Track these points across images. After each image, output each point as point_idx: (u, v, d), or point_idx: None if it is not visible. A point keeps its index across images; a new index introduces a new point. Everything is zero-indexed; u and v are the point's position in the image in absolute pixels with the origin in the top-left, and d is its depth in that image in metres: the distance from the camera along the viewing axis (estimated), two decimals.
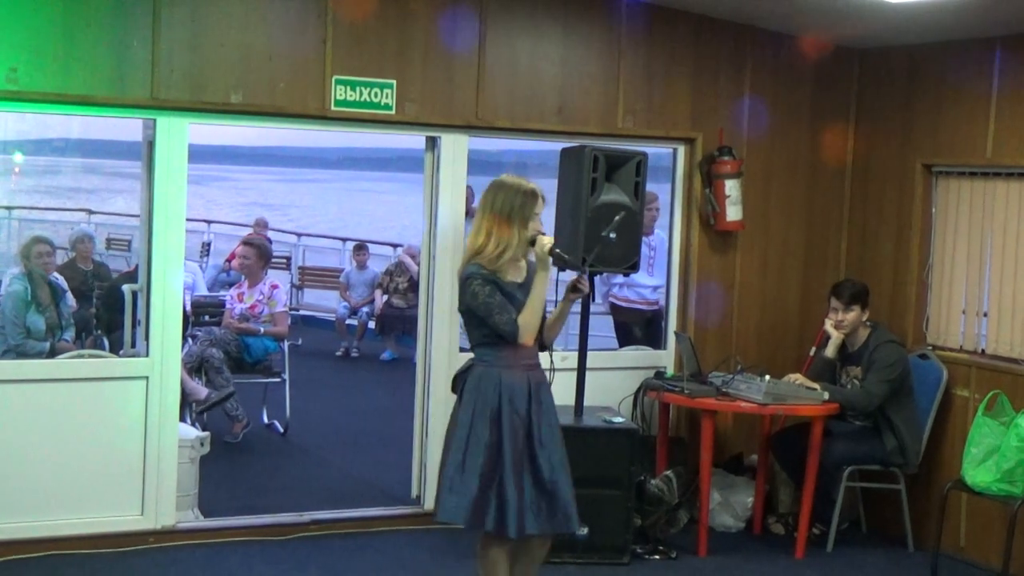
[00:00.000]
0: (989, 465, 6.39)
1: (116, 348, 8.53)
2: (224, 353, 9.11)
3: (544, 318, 5.22)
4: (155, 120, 6.53)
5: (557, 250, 5.12)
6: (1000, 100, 6.96)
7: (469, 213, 11.12)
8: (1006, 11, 6.51)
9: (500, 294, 5.08)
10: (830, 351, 7.24)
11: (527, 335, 5.09)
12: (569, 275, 5.42)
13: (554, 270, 5.23)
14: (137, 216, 7.55)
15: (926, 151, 7.42)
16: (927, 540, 7.01)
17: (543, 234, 5.14)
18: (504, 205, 5.10)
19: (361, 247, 14.66)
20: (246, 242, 10.31)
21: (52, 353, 8.27)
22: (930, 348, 7.39)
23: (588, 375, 6.90)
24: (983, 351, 7.20)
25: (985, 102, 7.02)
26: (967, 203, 7.28)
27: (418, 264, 12.71)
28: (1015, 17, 6.59)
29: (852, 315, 7.17)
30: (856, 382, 7.14)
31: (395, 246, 15.58)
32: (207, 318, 9.83)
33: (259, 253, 9.80)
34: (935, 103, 7.36)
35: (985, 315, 7.21)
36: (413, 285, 13.02)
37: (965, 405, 7.07)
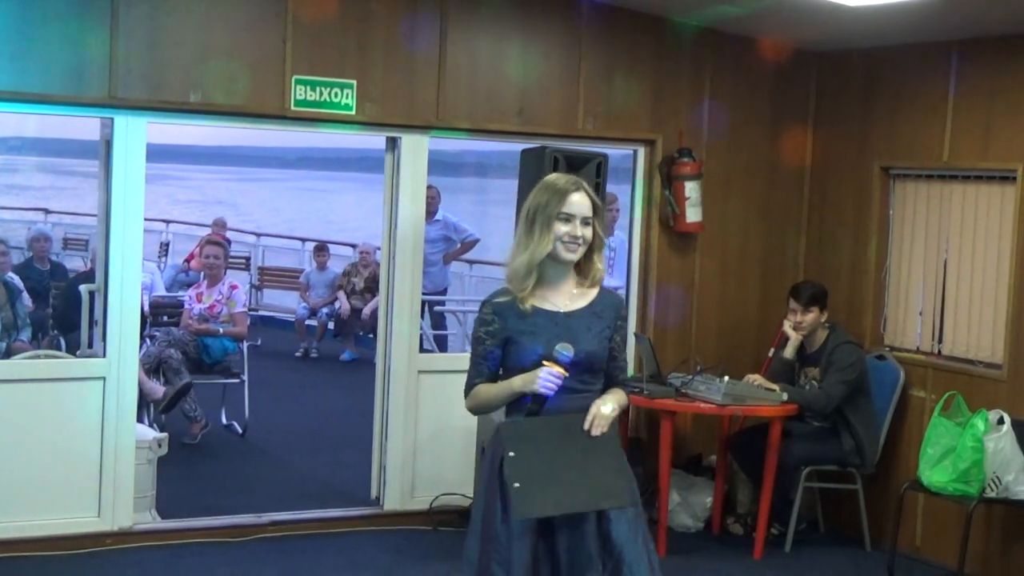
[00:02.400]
0: (945, 465, 6.44)
1: (73, 348, 8.47)
2: (183, 354, 9.04)
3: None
4: (113, 119, 6.49)
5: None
6: (957, 103, 7.01)
7: (432, 214, 11.20)
8: (962, 15, 6.57)
9: (493, 340, 4.06)
10: (789, 352, 7.28)
11: (473, 408, 4.17)
12: None
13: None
14: (95, 216, 7.50)
15: (884, 154, 7.47)
16: (884, 540, 7.07)
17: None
18: (530, 206, 4.09)
19: (322, 248, 14.60)
20: (213, 241, 10.27)
21: (8, 353, 8.20)
22: (887, 349, 7.44)
23: None
24: (940, 352, 7.25)
25: (942, 105, 7.07)
26: (924, 205, 7.33)
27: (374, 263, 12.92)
28: (971, 21, 6.65)
29: (810, 316, 7.21)
30: (814, 383, 7.18)
31: (355, 246, 15.53)
32: (165, 318, 9.79)
33: (225, 253, 9.78)
34: (892, 106, 7.40)
35: (942, 316, 7.27)
36: (368, 286, 13.02)
37: (922, 406, 7.12)
